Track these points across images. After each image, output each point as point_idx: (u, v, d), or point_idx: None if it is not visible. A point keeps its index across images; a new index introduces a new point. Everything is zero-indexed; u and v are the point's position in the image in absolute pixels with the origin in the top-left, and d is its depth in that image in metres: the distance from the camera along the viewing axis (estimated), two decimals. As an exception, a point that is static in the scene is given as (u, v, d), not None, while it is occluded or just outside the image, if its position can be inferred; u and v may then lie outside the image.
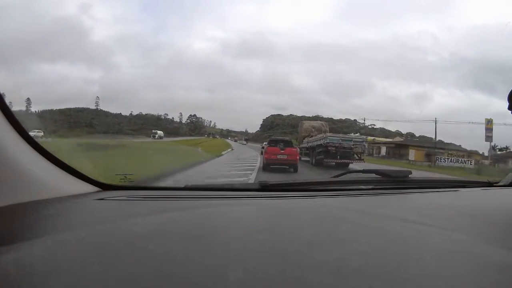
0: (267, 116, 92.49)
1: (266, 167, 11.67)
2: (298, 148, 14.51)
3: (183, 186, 1.22)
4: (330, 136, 16.03)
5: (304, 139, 19.79)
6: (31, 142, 0.88)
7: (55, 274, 0.41)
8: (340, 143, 15.45)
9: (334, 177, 1.46)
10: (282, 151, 11.77)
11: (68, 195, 0.92)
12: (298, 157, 12.48)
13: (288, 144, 12.70)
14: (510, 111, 0.86)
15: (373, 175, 1.33)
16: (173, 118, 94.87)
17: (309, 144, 17.95)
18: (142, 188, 1.23)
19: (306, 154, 18.33)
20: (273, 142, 13.09)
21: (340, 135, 17.20)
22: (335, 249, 0.51)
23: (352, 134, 18.15)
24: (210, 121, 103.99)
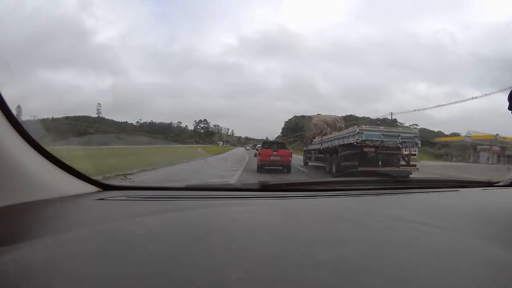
0: (290, 118, 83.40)
1: (260, 168, 11.98)
2: (291, 150, 12.64)
3: (183, 186, 1.22)
4: (367, 130, 10.41)
5: (314, 138, 15.51)
6: (32, 142, 0.88)
7: (55, 274, 0.41)
8: (382, 141, 10.16)
9: (335, 177, 1.46)
10: (275, 153, 12.06)
11: (68, 195, 0.93)
12: (291, 159, 12.40)
13: (281, 146, 12.97)
14: (510, 111, 0.87)
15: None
16: (186, 126, 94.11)
17: (325, 145, 13.23)
18: (142, 188, 1.23)
19: (318, 158, 14.14)
20: (266, 144, 13.43)
21: (381, 128, 11.28)
22: (335, 249, 0.51)
23: (400, 128, 12.40)
24: (228, 128, 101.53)
